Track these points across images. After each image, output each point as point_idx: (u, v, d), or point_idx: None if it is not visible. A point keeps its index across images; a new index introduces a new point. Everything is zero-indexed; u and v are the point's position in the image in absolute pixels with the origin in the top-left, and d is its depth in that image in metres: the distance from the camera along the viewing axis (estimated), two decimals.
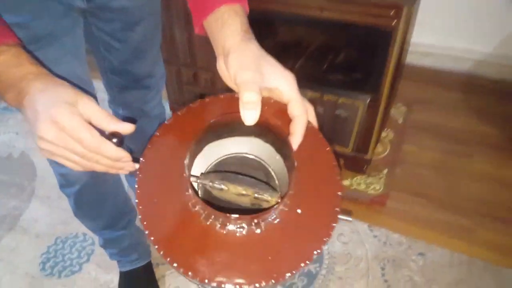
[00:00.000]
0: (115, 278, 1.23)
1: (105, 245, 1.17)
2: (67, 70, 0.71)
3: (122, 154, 0.48)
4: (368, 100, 1.30)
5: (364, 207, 1.43)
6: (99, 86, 0.95)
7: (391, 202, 1.42)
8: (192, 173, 0.49)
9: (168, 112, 1.84)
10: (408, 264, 1.27)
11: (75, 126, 0.44)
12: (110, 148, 0.47)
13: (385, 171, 1.50)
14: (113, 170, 0.50)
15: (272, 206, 0.45)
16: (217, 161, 0.52)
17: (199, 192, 0.49)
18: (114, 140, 0.47)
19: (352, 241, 1.34)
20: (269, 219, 0.43)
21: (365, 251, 1.31)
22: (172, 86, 1.68)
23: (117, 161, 0.49)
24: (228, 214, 0.40)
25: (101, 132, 0.47)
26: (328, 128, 1.39)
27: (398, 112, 1.80)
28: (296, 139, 0.46)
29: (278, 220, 0.43)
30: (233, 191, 0.46)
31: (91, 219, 1.09)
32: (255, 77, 0.46)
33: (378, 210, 1.42)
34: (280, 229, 0.42)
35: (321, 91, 1.34)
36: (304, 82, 1.33)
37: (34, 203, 1.46)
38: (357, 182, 1.45)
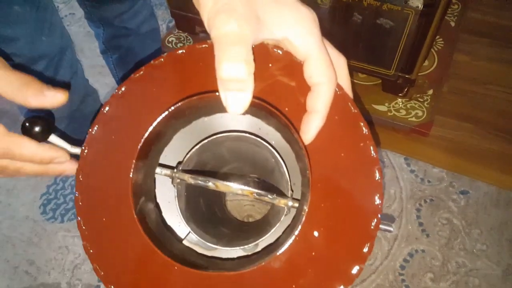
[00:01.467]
0: None
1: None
2: None
3: (50, 153, 0.34)
4: (421, 6, 0.99)
5: (401, 137, 1.22)
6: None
7: (434, 130, 1.20)
8: (165, 162, 0.37)
9: (166, 24, 1.53)
10: (448, 204, 1.12)
11: None
12: (28, 146, 0.33)
13: (430, 92, 1.24)
14: (45, 174, 0.36)
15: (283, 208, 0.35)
16: (201, 143, 0.38)
17: (175, 188, 0.37)
18: (37, 128, 0.33)
19: (385, 177, 1.18)
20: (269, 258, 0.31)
21: (399, 190, 1.15)
22: None
23: (46, 163, 0.34)
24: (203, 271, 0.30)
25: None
26: (366, 42, 1.10)
27: (450, 11, 1.44)
28: (315, 122, 0.30)
29: (284, 250, 0.30)
30: (223, 189, 0.35)
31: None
32: (244, 28, 0.27)
33: (417, 140, 1.21)
34: (286, 263, 0.30)
35: None
36: None
37: None
38: (396, 108, 1.22)
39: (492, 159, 1.17)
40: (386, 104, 1.22)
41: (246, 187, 0.35)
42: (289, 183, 0.37)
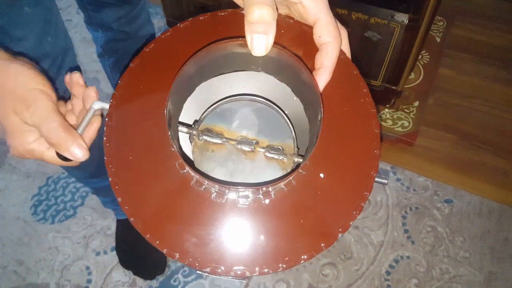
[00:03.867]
0: (112, 224, 1.14)
1: (97, 193, 1.06)
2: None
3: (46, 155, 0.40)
4: (406, 20, 1.04)
5: (387, 146, 1.26)
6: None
7: (419, 140, 1.24)
8: (183, 119, 0.39)
9: (164, 30, 1.57)
10: (432, 212, 1.15)
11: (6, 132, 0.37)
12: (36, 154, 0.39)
13: (416, 103, 1.29)
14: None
15: (289, 163, 0.37)
16: (213, 107, 0.40)
17: (192, 146, 0.39)
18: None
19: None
20: (282, 186, 0.33)
21: (386, 197, 1.18)
22: None
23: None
24: (225, 185, 0.31)
25: None
26: (354, 54, 1.14)
27: (435, 27, 1.50)
28: (323, 76, 0.35)
29: (293, 187, 0.33)
30: (234, 136, 0.37)
31: (76, 168, 0.96)
32: None
33: (403, 150, 1.25)
34: (295, 199, 0.33)
35: (348, 7, 1.06)
36: None
37: None
38: (382, 118, 1.26)
39: (475, 169, 1.21)
40: None
41: (257, 146, 0.37)
42: (295, 142, 0.40)
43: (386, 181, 0.37)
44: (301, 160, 0.38)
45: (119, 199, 0.33)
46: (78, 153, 0.36)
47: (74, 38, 1.58)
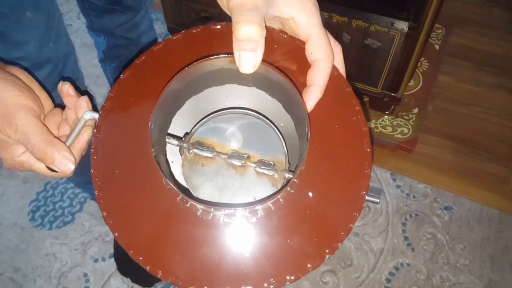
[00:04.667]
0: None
1: (95, 199, 1.05)
2: None
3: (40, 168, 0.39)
4: (406, 28, 1.04)
5: (387, 153, 1.26)
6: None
7: (419, 147, 1.24)
8: (174, 132, 0.39)
9: (162, 38, 1.57)
10: (432, 219, 1.15)
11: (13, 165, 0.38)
12: (26, 167, 0.39)
13: (416, 110, 1.29)
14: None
15: (279, 179, 0.36)
16: (205, 120, 0.40)
17: (186, 158, 0.38)
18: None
19: (372, 192, 1.20)
20: (269, 205, 0.33)
21: (385, 204, 1.18)
22: (168, 2, 1.39)
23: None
24: (209, 206, 0.31)
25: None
26: (355, 61, 1.15)
27: (434, 35, 1.51)
28: (314, 93, 0.34)
29: (281, 206, 0.33)
30: (225, 151, 0.37)
31: (75, 173, 0.95)
32: (258, 0, 0.31)
33: (403, 156, 1.25)
34: (282, 218, 0.33)
35: (348, 15, 1.07)
36: (328, 3, 1.06)
37: None
38: (382, 124, 1.26)
39: (475, 176, 1.21)
40: (373, 121, 1.26)
41: (248, 160, 0.37)
42: (287, 157, 0.39)
43: (378, 201, 0.36)
44: (291, 176, 0.37)
45: (104, 213, 0.33)
46: (64, 165, 0.36)
47: (74, 43, 1.57)
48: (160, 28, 1.62)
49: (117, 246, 1.10)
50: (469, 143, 1.28)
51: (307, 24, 0.34)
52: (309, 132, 0.32)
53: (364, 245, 1.11)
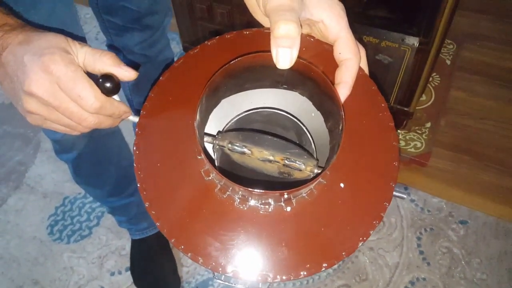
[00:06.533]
0: (127, 244, 1.15)
1: (113, 212, 1.07)
2: (48, 12, 0.60)
3: (123, 108, 0.40)
4: (417, 44, 1.06)
5: (401, 167, 1.26)
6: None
7: (432, 161, 1.24)
8: (206, 131, 0.40)
9: (177, 58, 1.62)
10: (448, 233, 1.14)
11: (72, 78, 0.36)
12: (112, 106, 0.39)
13: (428, 124, 1.30)
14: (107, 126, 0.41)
15: (308, 178, 0.36)
16: (237, 118, 0.42)
17: (215, 157, 0.40)
18: (108, 84, 0.37)
19: None
20: (303, 195, 0.34)
21: (400, 218, 1.18)
22: (184, 22, 1.44)
23: (117, 118, 0.41)
24: (250, 188, 0.31)
25: (91, 76, 0.38)
26: None
27: (445, 50, 1.52)
28: (343, 90, 0.36)
29: (314, 196, 0.34)
30: (257, 155, 0.37)
31: (93, 186, 0.98)
32: (294, 2, 0.34)
33: (417, 170, 1.25)
34: (316, 208, 0.34)
35: (359, 31, 1.09)
36: None
37: (40, 157, 1.36)
38: None
39: (489, 190, 1.21)
40: None
41: (278, 153, 0.38)
42: (315, 152, 0.41)
43: (404, 196, 0.38)
44: (320, 171, 0.39)
45: (147, 204, 0.35)
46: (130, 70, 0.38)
47: None
48: (175, 48, 1.67)
49: (133, 259, 1.12)
50: (483, 157, 1.27)
51: (336, 26, 0.36)
52: (343, 123, 0.34)
53: (379, 259, 1.11)
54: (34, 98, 0.36)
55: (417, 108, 1.31)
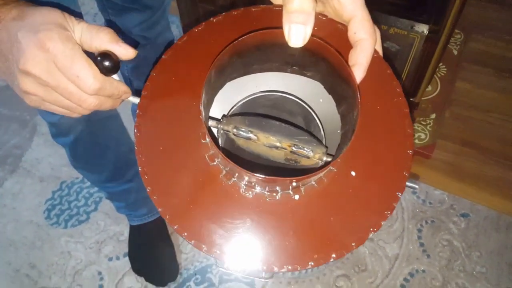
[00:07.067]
0: (125, 230, 1.14)
1: (111, 198, 1.06)
2: None
3: (123, 88, 0.38)
4: (426, 31, 1.03)
5: None
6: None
7: (436, 153, 1.23)
8: (211, 115, 0.39)
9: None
10: (449, 226, 1.13)
11: (70, 56, 0.33)
12: (112, 86, 0.36)
13: (433, 116, 1.28)
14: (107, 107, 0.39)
15: (315, 165, 0.35)
16: (243, 101, 0.40)
17: (220, 141, 0.39)
18: (107, 63, 0.35)
19: None
20: (312, 182, 0.33)
21: (401, 210, 1.17)
22: (184, 4, 1.40)
23: (118, 99, 0.38)
24: (257, 174, 0.30)
25: (88, 54, 0.35)
26: None
27: (453, 40, 1.49)
28: (358, 72, 0.34)
29: (323, 184, 0.33)
30: (263, 141, 0.36)
31: (91, 171, 0.97)
32: None
33: (420, 162, 1.24)
34: (325, 196, 0.33)
35: None
36: None
37: (37, 141, 1.33)
38: None
39: (492, 184, 1.19)
40: None
41: (286, 139, 0.36)
42: (324, 139, 0.39)
43: (417, 186, 0.37)
44: (330, 159, 0.37)
45: (148, 189, 0.33)
46: (128, 48, 0.36)
47: None
48: (175, 31, 1.63)
49: (131, 245, 1.11)
50: (487, 150, 1.26)
51: (351, 4, 0.34)
52: (359, 109, 0.32)
53: (378, 250, 1.10)
54: (30, 78, 0.34)
55: (422, 98, 1.28)
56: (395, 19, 1.03)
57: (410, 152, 0.34)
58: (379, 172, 0.34)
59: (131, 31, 0.90)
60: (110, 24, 0.92)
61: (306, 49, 0.33)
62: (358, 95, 0.32)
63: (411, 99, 1.18)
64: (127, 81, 1.05)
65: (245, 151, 0.37)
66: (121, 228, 1.15)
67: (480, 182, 1.20)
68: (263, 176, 0.30)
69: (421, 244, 1.10)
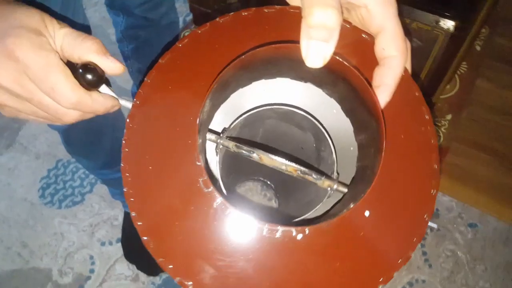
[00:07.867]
0: (120, 215, 1.11)
1: (106, 184, 1.02)
2: None
3: (109, 103, 0.33)
4: (452, 28, 0.95)
5: None
6: None
7: (449, 157, 1.17)
8: (210, 126, 0.35)
9: (183, 18, 1.50)
10: (454, 236, 1.08)
11: (43, 66, 0.29)
12: (95, 102, 0.32)
13: (449, 117, 1.21)
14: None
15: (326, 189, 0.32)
16: (248, 114, 0.36)
17: (218, 157, 0.35)
18: (89, 76, 0.31)
19: None
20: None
21: None
22: None
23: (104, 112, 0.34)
24: (260, 221, 0.27)
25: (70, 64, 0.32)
26: None
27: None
28: (383, 95, 0.29)
29: (332, 224, 0.28)
30: (267, 163, 0.33)
31: (85, 157, 0.93)
32: None
33: None
34: (333, 238, 0.29)
35: None
36: None
37: None
38: None
39: (506, 194, 1.13)
40: None
41: (291, 163, 0.33)
42: (335, 165, 0.35)
43: (435, 226, 0.33)
44: (342, 189, 0.33)
45: (133, 214, 0.29)
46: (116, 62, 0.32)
47: (93, 17, 1.53)
48: (181, 7, 1.54)
49: (125, 232, 1.08)
50: (503, 157, 1.19)
51: (382, 13, 0.29)
52: (383, 145, 0.27)
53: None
54: (1, 89, 0.30)
55: (439, 97, 1.21)
56: (419, 13, 0.95)
57: (433, 192, 0.29)
58: (397, 214, 0.29)
59: (133, 12, 0.85)
60: (111, 3, 0.85)
61: (324, 67, 0.28)
62: (384, 130, 0.27)
63: (428, 98, 1.11)
64: (127, 62, 0.99)
65: (247, 160, 0.34)
66: (115, 212, 1.12)
67: (493, 191, 1.14)
68: (267, 223, 0.27)
69: (424, 253, 1.06)
